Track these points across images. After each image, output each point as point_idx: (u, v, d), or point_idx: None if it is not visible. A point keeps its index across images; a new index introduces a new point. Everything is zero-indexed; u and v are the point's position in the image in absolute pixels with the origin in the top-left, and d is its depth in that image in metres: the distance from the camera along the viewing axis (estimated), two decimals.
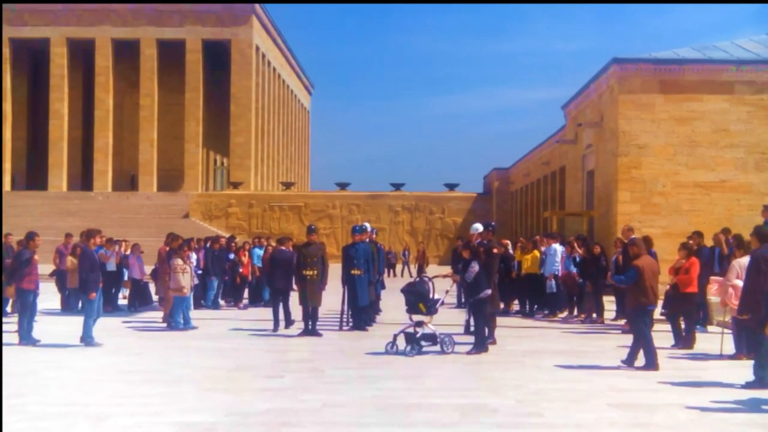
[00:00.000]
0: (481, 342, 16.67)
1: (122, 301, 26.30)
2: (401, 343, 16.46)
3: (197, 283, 23.92)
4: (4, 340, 17.46)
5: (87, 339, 17.31)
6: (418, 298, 16.74)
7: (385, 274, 45.50)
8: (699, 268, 18.91)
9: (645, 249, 16.01)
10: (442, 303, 17.47)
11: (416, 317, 16.70)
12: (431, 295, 16.91)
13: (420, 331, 16.48)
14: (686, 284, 18.36)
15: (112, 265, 25.95)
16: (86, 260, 17.66)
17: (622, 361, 15.28)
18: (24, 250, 18.31)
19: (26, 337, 17.46)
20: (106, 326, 21.32)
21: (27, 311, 17.67)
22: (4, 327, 19.05)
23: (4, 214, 58.15)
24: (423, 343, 16.46)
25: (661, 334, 19.74)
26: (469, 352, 16.39)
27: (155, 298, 25.66)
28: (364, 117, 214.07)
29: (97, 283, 17.75)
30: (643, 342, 15.13)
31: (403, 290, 17.12)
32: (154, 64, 79.40)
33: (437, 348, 16.49)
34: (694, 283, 18.48)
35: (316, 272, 19.52)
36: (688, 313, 18.48)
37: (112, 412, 10.88)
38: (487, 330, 17.25)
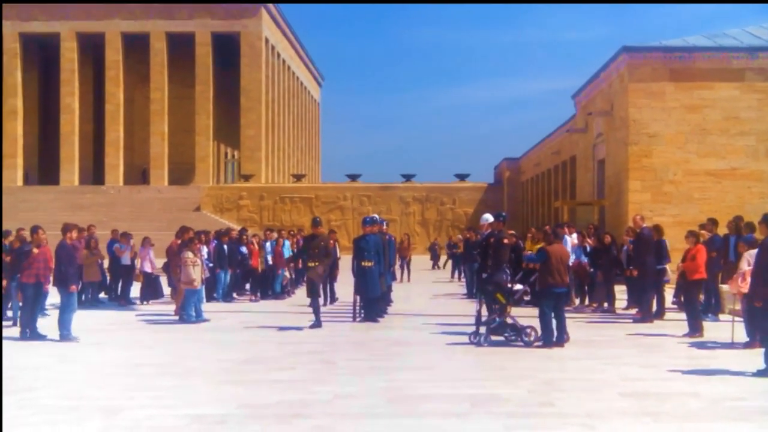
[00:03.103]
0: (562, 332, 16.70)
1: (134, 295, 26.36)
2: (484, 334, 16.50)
3: (208, 276, 23.97)
4: (12, 335, 17.56)
5: (64, 333, 17.30)
6: (496, 288, 16.77)
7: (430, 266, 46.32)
8: (705, 254, 18.91)
9: (559, 239, 17.76)
10: (525, 293, 17.50)
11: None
12: (510, 285, 16.97)
13: (499, 321, 16.52)
14: (693, 271, 18.38)
15: (126, 259, 26.04)
16: (64, 254, 17.60)
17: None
18: (24, 243, 18.32)
19: (24, 333, 17.47)
20: (119, 319, 21.45)
21: (27, 306, 17.66)
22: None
23: (16, 208, 58.44)
24: (507, 333, 16.48)
25: (674, 323, 19.80)
26: (551, 346, 16.32)
27: (167, 291, 25.71)
28: (375, 108, 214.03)
29: (76, 277, 17.76)
30: (540, 320, 16.27)
31: (483, 281, 17.21)
32: (164, 58, 79.45)
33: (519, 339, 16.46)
34: (701, 270, 18.48)
35: (319, 263, 19.53)
36: (691, 299, 18.47)
37: (123, 405, 10.93)
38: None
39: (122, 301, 25.54)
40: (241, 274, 27.55)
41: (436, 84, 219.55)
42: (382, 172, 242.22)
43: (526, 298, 18.58)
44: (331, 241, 21.07)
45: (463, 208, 71.10)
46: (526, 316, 17.49)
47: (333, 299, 25.16)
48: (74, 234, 18.49)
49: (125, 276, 26.18)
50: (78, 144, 79.70)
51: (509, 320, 16.55)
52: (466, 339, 16.71)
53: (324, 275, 20.15)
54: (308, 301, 19.68)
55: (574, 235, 24.89)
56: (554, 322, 16.41)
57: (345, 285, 23.77)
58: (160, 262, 26.80)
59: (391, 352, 15.71)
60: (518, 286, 17.13)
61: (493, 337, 16.43)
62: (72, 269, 17.66)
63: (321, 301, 20.84)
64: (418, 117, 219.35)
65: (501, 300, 16.61)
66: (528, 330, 16.36)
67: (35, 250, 17.82)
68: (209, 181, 77.99)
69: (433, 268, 48.27)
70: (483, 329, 16.52)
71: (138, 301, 25.45)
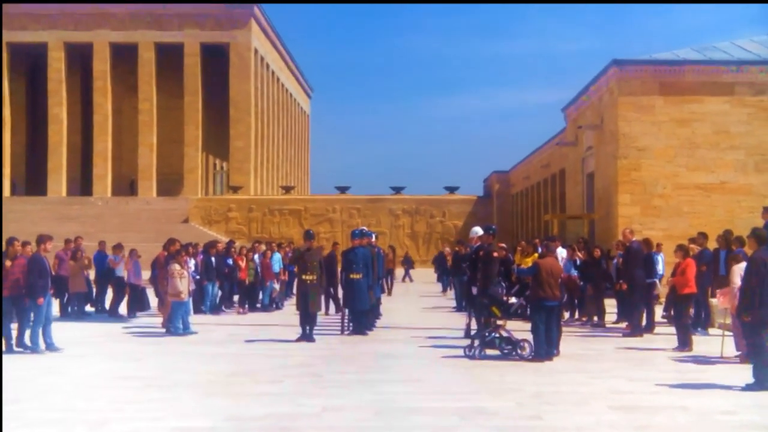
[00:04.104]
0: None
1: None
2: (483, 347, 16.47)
3: (195, 288, 23.83)
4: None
5: (31, 346, 17.24)
6: (492, 301, 16.75)
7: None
8: (695, 268, 18.92)
9: (553, 253, 17.86)
10: (521, 306, 17.50)
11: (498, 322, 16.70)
12: (506, 299, 17.03)
13: (494, 334, 16.47)
14: (683, 285, 18.38)
15: (120, 271, 25.83)
16: (35, 266, 17.39)
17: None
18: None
19: (9, 345, 17.39)
20: (106, 331, 21.35)
21: (8, 318, 17.52)
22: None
23: (3, 219, 58.12)
24: (503, 347, 16.41)
25: (663, 337, 19.79)
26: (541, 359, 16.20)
27: (154, 303, 25.56)
28: (364, 120, 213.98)
29: (46, 289, 17.50)
30: (533, 333, 16.30)
31: (477, 294, 17.19)
32: (153, 68, 79.37)
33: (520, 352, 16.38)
34: (691, 284, 18.48)
35: (315, 277, 19.49)
36: (681, 313, 18.46)
37: (110, 417, 10.85)
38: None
39: (114, 313, 25.36)
40: (229, 286, 27.42)
41: (426, 96, 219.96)
42: (372, 184, 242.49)
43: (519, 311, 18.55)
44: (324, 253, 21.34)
45: (453, 221, 71.04)
46: (522, 330, 17.41)
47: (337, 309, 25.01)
48: (49, 245, 18.20)
49: (119, 288, 25.90)
50: (65, 154, 79.52)
51: (504, 333, 16.50)
52: (455, 352, 16.70)
53: (321, 289, 20.18)
54: (298, 313, 19.65)
55: (560, 249, 24.86)
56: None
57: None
58: (146, 274, 26.62)
59: (380, 365, 15.66)
60: (513, 300, 17.11)
61: (489, 351, 16.38)
62: (42, 281, 17.41)
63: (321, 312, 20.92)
64: (407, 129, 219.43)
65: (496, 313, 16.58)
66: (523, 343, 16.32)
67: (8, 263, 17.67)
68: (198, 192, 77.87)
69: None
70: (477, 342, 16.48)
71: (125, 314, 25.30)
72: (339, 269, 24.44)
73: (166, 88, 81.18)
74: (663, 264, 24.27)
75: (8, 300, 17.50)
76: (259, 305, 27.87)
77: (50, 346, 17.40)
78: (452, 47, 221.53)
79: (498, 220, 68.00)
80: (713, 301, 20.86)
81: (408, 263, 51.79)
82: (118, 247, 26.34)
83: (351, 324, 20.73)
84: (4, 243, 21.57)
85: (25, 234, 23.04)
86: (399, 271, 49.47)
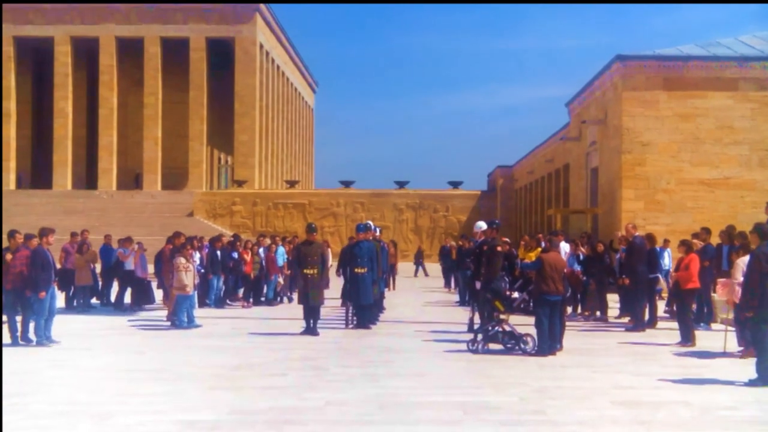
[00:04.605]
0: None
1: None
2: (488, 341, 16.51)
3: (200, 282, 23.88)
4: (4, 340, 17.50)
5: (39, 339, 17.30)
6: (495, 296, 16.79)
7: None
8: (699, 263, 18.94)
9: (556, 247, 17.72)
10: (524, 301, 17.52)
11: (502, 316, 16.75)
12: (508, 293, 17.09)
13: (497, 329, 16.51)
14: (686, 280, 18.40)
15: (129, 264, 25.85)
16: (38, 259, 17.37)
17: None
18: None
19: (14, 338, 17.48)
20: (111, 324, 21.40)
21: (10, 312, 17.62)
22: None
23: (8, 212, 58.23)
24: (505, 341, 16.42)
25: (666, 332, 19.82)
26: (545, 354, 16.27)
27: (159, 296, 25.62)
28: (369, 115, 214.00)
29: (49, 282, 17.43)
30: (536, 328, 16.27)
31: (481, 289, 17.21)
32: (158, 63, 79.39)
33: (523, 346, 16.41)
34: (694, 279, 18.50)
35: (316, 271, 19.53)
36: (684, 308, 18.47)
37: (115, 410, 10.90)
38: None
39: (124, 305, 25.40)
40: (233, 280, 27.46)
41: (430, 91, 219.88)
42: (376, 178, 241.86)
43: (522, 306, 18.63)
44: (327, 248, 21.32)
45: (457, 216, 71.00)
46: (525, 324, 17.45)
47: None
48: (51, 238, 18.16)
49: (129, 281, 25.89)
50: (71, 148, 79.55)
51: (507, 328, 16.54)
52: (458, 346, 16.73)
53: (322, 283, 20.18)
54: (301, 307, 19.71)
55: (564, 243, 24.90)
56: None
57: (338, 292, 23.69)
58: (151, 268, 26.69)
59: (384, 359, 15.69)
60: (516, 294, 17.15)
61: (492, 345, 16.42)
62: (45, 274, 17.40)
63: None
64: (411, 124, 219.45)
65: (499, 308, 16.61)
66: (526, 338, 16.35)
67: (8, 256, 17.70)
68: (202, 186, 77.89)
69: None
70: (480, 336, 16.53)
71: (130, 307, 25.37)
72: None
73: (171, 82, 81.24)
74: (670, 259, 24.28)
75: (11, 293, 17.55)
76: (263, 299, 27.91)
77: (48, 339, 17.41)
78: (457, 43, 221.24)
79: (502, 215, 68.04)
80: (715, 296, 20.90)
81: (420, 258, 51.56)
82: (127, 241, 26.34)
83: (355, 318, 20.78)
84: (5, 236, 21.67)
85: (30, 227, 23.07)
86: (409, 266, 49.48)
